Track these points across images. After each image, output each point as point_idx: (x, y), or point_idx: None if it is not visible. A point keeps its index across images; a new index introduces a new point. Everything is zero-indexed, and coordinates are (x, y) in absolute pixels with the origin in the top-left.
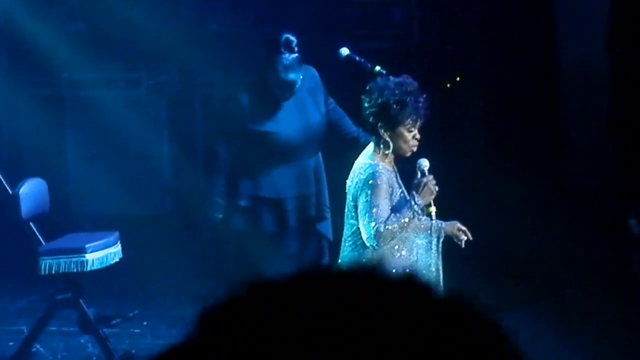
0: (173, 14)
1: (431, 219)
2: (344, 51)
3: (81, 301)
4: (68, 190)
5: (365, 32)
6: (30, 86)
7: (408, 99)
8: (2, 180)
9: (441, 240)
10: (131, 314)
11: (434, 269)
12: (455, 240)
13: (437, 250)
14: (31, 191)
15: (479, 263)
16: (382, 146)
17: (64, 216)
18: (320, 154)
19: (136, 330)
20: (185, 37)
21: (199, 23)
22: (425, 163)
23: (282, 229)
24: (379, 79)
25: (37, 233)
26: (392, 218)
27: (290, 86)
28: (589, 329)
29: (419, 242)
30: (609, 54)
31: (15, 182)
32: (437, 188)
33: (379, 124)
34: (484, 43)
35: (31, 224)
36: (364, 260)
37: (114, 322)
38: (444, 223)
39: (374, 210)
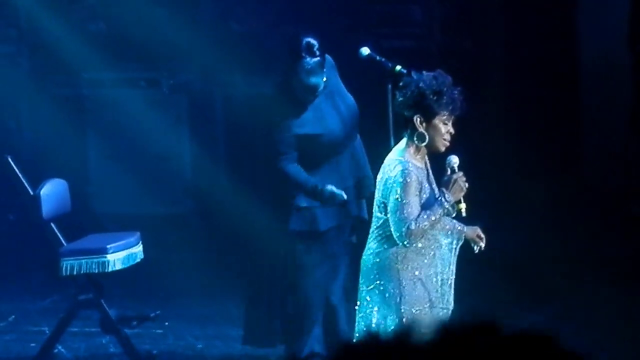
0: (193, 13)
1: (461, 216)
2: (365, 51)
3: (103, 302)
4: (89, 190)
5: (386, 31)
6: (51, 86)
7: (445, 89)
8: (23, 180)
9: (461, 243)
10: (153, 315)
11: (453, 269)
12: (472, 244)
13: (456, 252)
14: (52, 192)
15: (499, 262)
16: (416, 139)
17: (86, 216)
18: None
19: (158, 331)
20: (205, 37)
21: (220, 22)
22: (455, 160)
23: (338, 225)
24: (413, 73)
25: (58, 234)
26: (423, 215)
27: (313, 90)
28: (611, 327)
29: (444, 241)
30: (631, 51)
31: (37, 183)
32: (467, 185)
33: (415, 116)
34: (505, 42)
35: (52, 224)
36: (388, 254)
37: (135, 322)
38: (465, 227)
39: (405, 208)
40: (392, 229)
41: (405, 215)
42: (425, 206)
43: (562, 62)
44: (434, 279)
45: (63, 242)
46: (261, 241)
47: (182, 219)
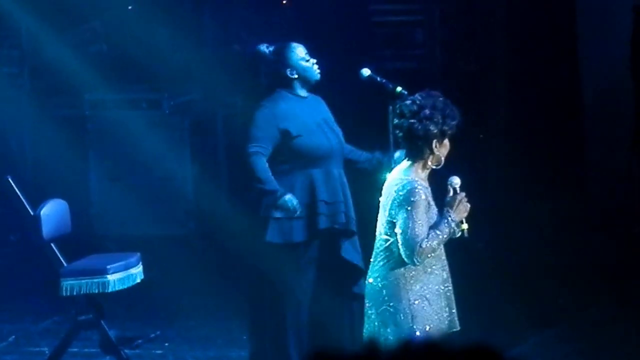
0: (195, 34)
1: (464, 236)
2: (365, 72)
3: (103, 322)
4: (91, 211)
5: (389, 53)
6: (53, 107)
7: (451, 109)
8: (24, 201)
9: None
10: (153, 335)
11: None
12: (468, 207)
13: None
14: (52, 212)
15: (503, 282)
16: (431, 162)
17: (87, 237)
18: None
19: (158, 352)
20: (207, 58)
21: (222, 44)
22: (456, 180)
23: (312, 237)
24: (417, 95)
25: (58, 254)
26: (432, 234)
27: (309, 72)
28: (613, 349)
29: (444, 256)
30: (633, 74)
31: (38, 203)
32: (469, 205)
33: (434, 140)
34: (508, 63)
35: (52, 245)
36: (397, 275)
37: (135, 343)
38: (450, 211)
39: (415, 226)
40: (400, 249)
41: (417, 233)
42: (432, 225)
43: (565, 84)
44: (441, 296)
45: (63, 262)
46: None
47: (184, 240)
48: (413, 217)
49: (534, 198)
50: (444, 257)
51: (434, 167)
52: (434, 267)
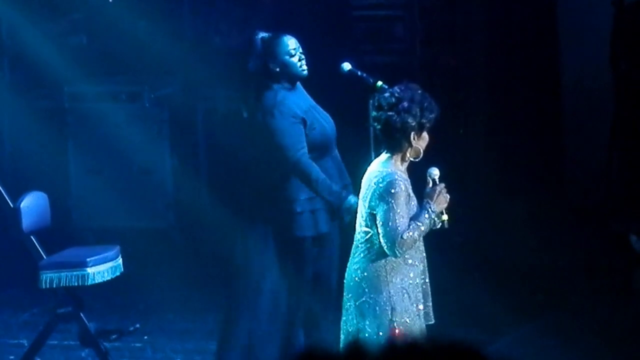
0: (175, 27)
1: (444, 227)
2: (346, 66)
3: (82, 315)
4: (70, 203)
5: (369, 47)
6: (33, 99)
7: (429, 102)
8: (4, 193)
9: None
10: (132, 328)
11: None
12: (447, 198)
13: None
14: (32, 205)
15: (483, 278)
16: (410, 154)
17: (66, 230)
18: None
19: (137, 345)
20: (187, 51)
21: (202, 36)
22: (435, 172)
23: (333, 227)
24: (396, 87)
25: (38, 247)
26: (413, 225)
27: (298, 66)
28: (591, 343)
29: (422, 248)
30: (613, 69)
31: (17, 196)
32: (448, 196)
33: (412, 133)
34: (487, 58)
35: (32, 237)
36: (377, 267)
37: (114, 336)
38: (430, 203)
39: (396, 218)
40: (382, 240)
41: (397, 225)
42: (413, 217)
43: (544, 79)
44: (418, 289)
45: (43, 255)
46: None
47: (163, 233)
48: (394, 209)
49: (512, 193)
50: (422, 249)
51: (412, 159)
52: (413, 259)
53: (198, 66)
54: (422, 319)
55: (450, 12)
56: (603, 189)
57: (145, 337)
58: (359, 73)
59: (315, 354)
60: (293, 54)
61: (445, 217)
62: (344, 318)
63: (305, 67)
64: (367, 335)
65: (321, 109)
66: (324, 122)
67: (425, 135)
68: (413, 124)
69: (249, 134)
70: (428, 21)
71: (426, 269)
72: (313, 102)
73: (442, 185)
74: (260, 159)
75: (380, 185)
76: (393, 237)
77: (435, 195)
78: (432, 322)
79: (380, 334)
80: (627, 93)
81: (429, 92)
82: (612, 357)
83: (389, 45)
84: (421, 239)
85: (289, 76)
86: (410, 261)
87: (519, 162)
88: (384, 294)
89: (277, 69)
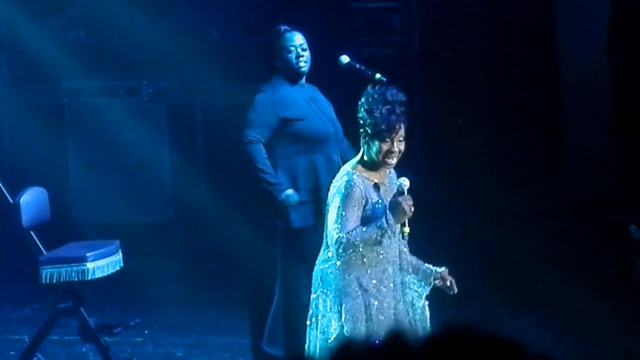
0: (173, 21)
1: (404, 239)
2: (344, 59)
3: (82, 310)
4: (69, 198)
5: (367, 39)
6: (31, 94)
7: (381, 109)
8: (3, 189)
9: (395, 229)
10: (132, 323)
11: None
12: (409, 211)
13: (398, 240)
14: (32, 200)
15: (481, 270)
16: (376, 157)
17: (66, 225)
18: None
19: (137, 339)
20: (186, 45)
21: (200, 31)
22: (405, 182)
23: (316, 221)
24: (369, 87)
25: (37, 242)
26: (357, 231)
27: (299, 66)
28: (590, 334)
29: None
30: (611, 60)
31: (16, 191)
32: (412, 209)
33: (365, 136)
34: (485, 50)
35: (32, 233)
36: (334, 262)
37: (115, 330)
38: (389, 214)
39: (340, 219)
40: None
41: (339, 226)
42: (366, 222)
43: (542, 71)
44: (383, 288)
45: (43, 250)
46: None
47: (162, 228)
48: (340, 209)
49: (511, 184)
50: (392, 253)
51: (385, 164)
52: (374, 260)
53: (196, 60)
54: (391, 320)
55: (447, 3)
56: (602, 179)
57: (146, 332)
58: (357, 66)
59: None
60: (291, 50)
61: (406, 229)
62: (309, 311)
63: (302, 64)
64: (321, 328)
65: (327, 108)
66: (322, 118)
67: (374, 141)
68: (368, 129)
69: None
70: (426, 13)
71: (397, 271)
72: (323, 105)
73: (408, 197)
74: None
75: (337, 183)
76: (332, 237)
77: (397, 207)
78: (406, 322)
79: (330, 329)
80: (625, 83)
81: (427, 83)
82: (612, 348)
83: (387, 37)
84: (390, 241)
85: (288, 71)
86: (370, 262)
87: (518, 153)
88: (336, 290)
89: (278, 64)
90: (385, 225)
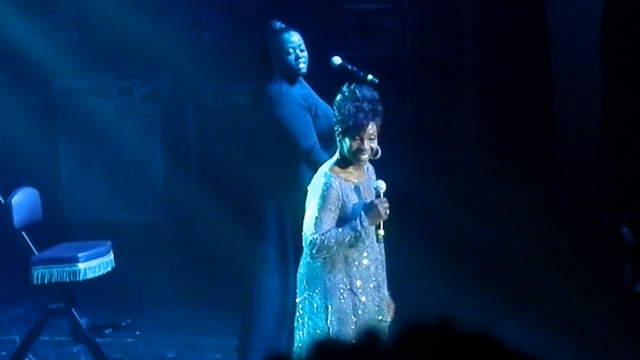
0: (166, 21)
1: (378, 242)
2: (337, 60)
3: (74, 310)
4: (61, 198)
5: (359, 41)
6: (23, 94)
7: (349, 106)
8: None
9: (369, 231)
10: (124, 323)
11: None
12: (384, 214)
13: (375, 241)
14: (23, 200)
15: (472, 271)
16: (349, 155)
17: (57, 225)
18: None
19: (129, 340)
20: (178, 45)
21: (192, 31)
22: (382, 185)
23: None
24: (345, 86)
25: (29, 242)
26: (331, 233)
27: (297, 64)
28: (582, 336)
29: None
30: (603, 62)
31: (8, 191)
32: (387, 212)
33: (345, 134)
34: (477, 51)
35: (23, 233)
36: (318, 264)
37: (106, 331)
38: (363, 216)
39: (314, 220)
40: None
41: (314, 228)
42: (341, 224)
43: (534, 72)
44: (367, 289)
45: (34, 250)
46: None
47: (154, 227)
48: (315, 210)
49: (504, 186)
50: (377, 251)
51: (357, 162)
52: (358, 259)
53: (188, 60)
54: (374, 320)
55: (439, 5)
56: (594, 180)
57: (138, 332)
58: (350, 67)
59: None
60: (290, 51)
61: (381, 232)
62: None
63: (302, 65)
64: (308, 330)
65: (324, 103)
66: (328, 113)
67: (345, 138)
68: (339, 127)
69: (254, 125)
70: (418, 14)
71: (381, 271)
72: (316, 96)
73: (383, 199)
74: (266, 150)
75: (314, 184)
76: (307, 238)
77: (372, 209)
78: (387, 322)
79: (318, 331)
80: (617, 85)
81: (419, 84)
82: (604, 349)
83: (379, 38)
84: (372, 239)
85: (287, 72)
86: (350, 260)
87: (510, 154)
88: (321, 292)
89: (275, 65)
90: (359, 227)
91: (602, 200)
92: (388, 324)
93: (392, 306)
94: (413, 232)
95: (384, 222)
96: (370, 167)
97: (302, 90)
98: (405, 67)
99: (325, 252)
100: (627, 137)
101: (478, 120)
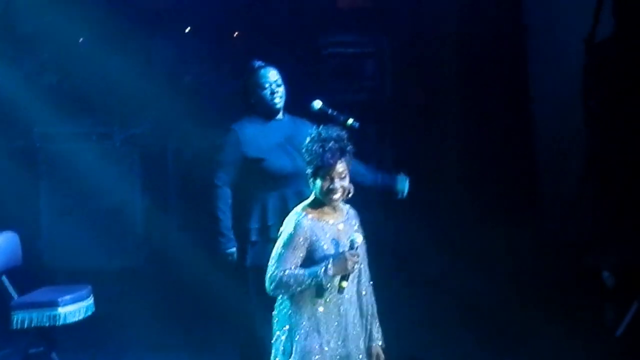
0: (145, 66)
1: (339, 292)
2: (317, 104)
3: (54, 355)
4: (41, 243)
5: (340, 85)
6: (3, 139)
7: (315, 147)
8: None
9: (331, 280)
10: None
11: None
12: (350, 267)
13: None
14: (3, 245)
15: (454, 312)
16: (321, 195)
17: (38, 270)
18: None
19: None
20: (158, 90)
21: (173, 75)
22: (358, 239)
23: None
24: (313, 128)
25: (9, 286)
26: (293, 272)
27: (274, 101)
28: None
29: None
30: (584, 105)
31: None
32: (355, 266)
33: (315, 175)
34: (459, 93)
35: (3, 277)
36: (287, 304)
37: None
38: (329, 264)
39: (279, 257)
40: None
41: (276, 263)
42: (314, 263)
43: (517, 115)
44: (334, 333)
45: (14, 295)
46: (215, 293)
47: (134, 272)
48: (281, 248)
49: (486, 227)
50: (350, 292)
51: (330, 202)
52: (327, 297)
53: (168, 105)
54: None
55: (420, 49)
56: (576, 223)
57: None
58: (330, 111)
59: None
60: (265, 86)
61: (344, 283)
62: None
63: (278, 99)
64: None
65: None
66: (291, 155)
67: (315, 178)
68: (309, 168)
69: None
70: (398, 58)
71: (346, 313)
72: (294, 136)
73: (354, 252)
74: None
75: (286, 220)
76: (266, 272)
77: (340, 260)
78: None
79: None
80: (598, 130)
81: (401, 128)
82: None
83: (360, 82)
84: (336, 283)
85: (263, 108)
86: (319, 305)
87: (493, 196)
88: (290, 332)
89: (252, 101)
90: (322, 274)
91: (583, 244)
92: None
93: (382, 358)
94: (395, 274)
95: (349, 274)
96: (352, 211)
97: (278, 128)
98: (386, 111)
99: (283, 289)
100: (608, 181)
101: (460, 163)
